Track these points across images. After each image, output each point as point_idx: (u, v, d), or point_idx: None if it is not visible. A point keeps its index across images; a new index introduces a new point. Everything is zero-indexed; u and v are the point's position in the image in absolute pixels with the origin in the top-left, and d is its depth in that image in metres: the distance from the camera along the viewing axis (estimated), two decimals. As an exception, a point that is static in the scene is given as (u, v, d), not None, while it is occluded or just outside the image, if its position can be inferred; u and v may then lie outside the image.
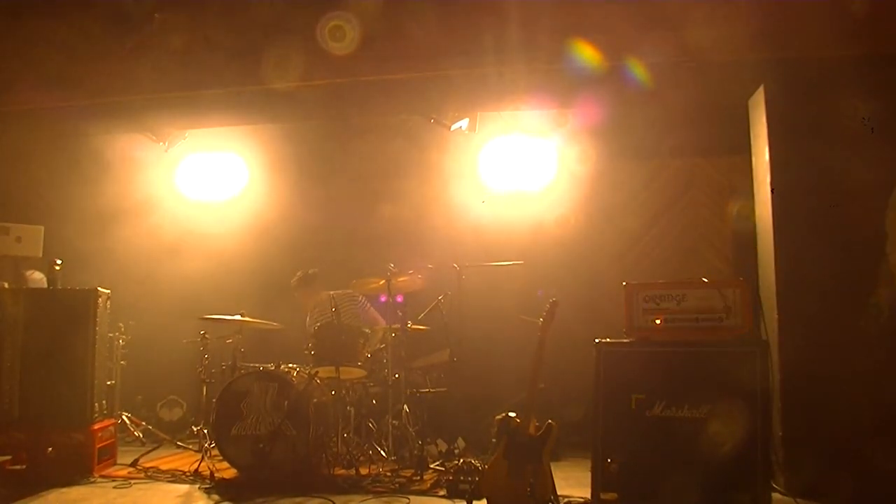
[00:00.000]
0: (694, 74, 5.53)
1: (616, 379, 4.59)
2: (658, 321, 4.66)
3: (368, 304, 6.80)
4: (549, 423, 4.47)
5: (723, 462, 4.27)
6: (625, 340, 4.71)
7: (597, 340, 4.72)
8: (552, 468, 4.47)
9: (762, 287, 5.43)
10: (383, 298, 6.20)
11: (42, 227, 7.43)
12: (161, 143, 7.67)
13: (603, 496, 4.47)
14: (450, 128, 6.86)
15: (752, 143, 5.79)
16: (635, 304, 4.74)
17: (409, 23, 5.52)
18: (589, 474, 4.57)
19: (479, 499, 4.53)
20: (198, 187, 8.23)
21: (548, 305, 4.72)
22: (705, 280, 4.69)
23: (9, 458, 5.79)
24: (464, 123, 6.84)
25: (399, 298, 6.12)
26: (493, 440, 4.64)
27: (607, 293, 5.96)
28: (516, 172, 7.46)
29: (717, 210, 7.06)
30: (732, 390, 4.35)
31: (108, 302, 6.10)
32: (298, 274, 6.92)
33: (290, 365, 5.88)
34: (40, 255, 7.30)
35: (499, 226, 7.29)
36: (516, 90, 6.04)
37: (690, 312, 4.59)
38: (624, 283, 4.81)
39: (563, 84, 5.86)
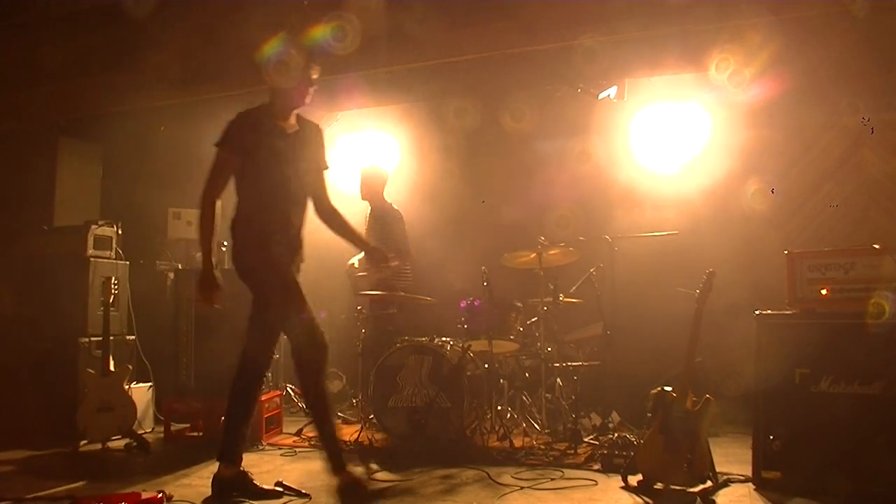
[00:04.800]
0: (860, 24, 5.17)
1: (778, 352, 4.36)
2: (824, 291, 4.38)
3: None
4: (707, 398, 4.34)
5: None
6: (787, 312, 4.46)
7: (757, 312, 4.51)
8: (710, 444, 4.35)
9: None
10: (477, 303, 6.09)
11: (208, 211, 7.86)
12: (315, 126, 7.93)
13: (765, 475, 4.29)
14: (597, 97, 6.72)
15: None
16: (799, 274, 4.47)
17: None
18: (749, 452, 4.40)
19: (634, 474, 4.45)
20: (351, 168, 8.45)
21: (704, 276, 4.57)
22: (876, 246, 4.37)
23: (188, 425, 6.23)
24: (612, 92, 6.67)
25: (476, 303, 6.06)
26: (649, 415, 4.57)
27: (768, 263, 5.67)
28: (668, 140, 7.21)
29: (890, 171, 6.56)
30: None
31: (271, 280, 6.40)
32: None
33: (444, 338, 5.98)
34: (209, 237, 7.74)
35: (652, 195, 7.09)
36: (665, 55, 5.84)
37: (860, 282, 4.26)
38: (786, 252, 4.56)
39: (710, 44, 5.63)
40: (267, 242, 4.33)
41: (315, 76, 4.37)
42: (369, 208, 6.85)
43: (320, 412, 4.35)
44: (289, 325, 4.33)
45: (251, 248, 4.35)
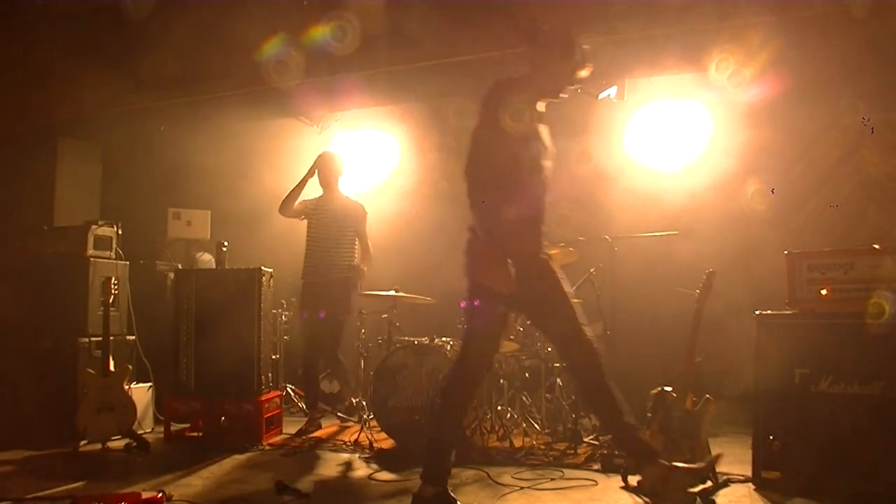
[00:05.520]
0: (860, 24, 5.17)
1: (778, 352, 4.36)
2: (824, 291, 4.38)
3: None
4: (707, 398, 4.35)
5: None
6: (787, 312, 4.47)
7: (757, 312, 4.51)
8: (710, 444, 4.35)
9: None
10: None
11: (209, 212, 7.89)
12: (314, 126, 7.94)
13: (765, 475, 4.29)
14: (597, 97, 6.70)
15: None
16: (799, 274, 4.47)
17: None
18: (749, 452, 4.41)
19: (634, 474, 4.45)
20: (351, 168, 8.43)
21: (704, 276, 4.57)
22: (876, 246, 4.37)
23: (187, 426, 6.22)
24: (612, 91, 6.64)
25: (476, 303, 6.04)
26: (649, 415, 4.56)
27: (768, 263, 5.67)
28: (668, 139, 7.22)
29: (890, 171, 6.55)
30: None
31: (271, 280, 6.41)
32: None
33: (444, 338, 5.98)
34: (208, 237, 7.77)
35: (652, 195, 7.08)
36: (665, 55, 5.84)
37: (860, 282, 4.27)
38: (786, 252, 4.56)
39: (710, 44, 5.64)
40: (525, 242, 3.90)
41: (583, 76, 4.01)
42: (320, 199, 6.64)
43: (606, 412, 3.90)
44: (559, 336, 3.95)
45: (505, 247, 3.79)
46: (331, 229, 6.51)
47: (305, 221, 6.61)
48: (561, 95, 4.03)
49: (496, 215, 3.75)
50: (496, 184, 3.76)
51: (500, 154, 3.76)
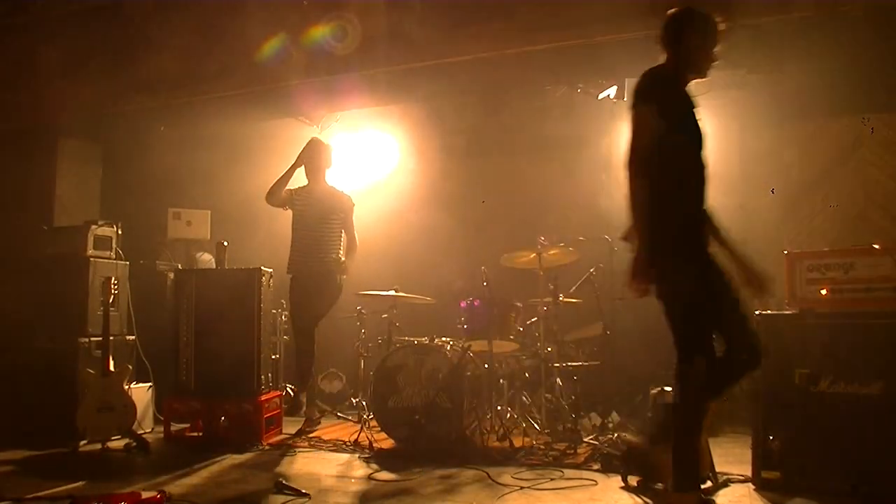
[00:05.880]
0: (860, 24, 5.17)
1: (778, 352, 4.34)
2: (824, 291, 4.39)
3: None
4: (707, 398, 4.34)
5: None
6: (787, 312, 4.47)
7: (757, 312, 4.50)
8: (710, 444, 4.34)
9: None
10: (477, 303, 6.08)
11: (209, 212, 7.88)
12: (314, 126, 7.95)
13: (765, 475, 4.29)
14: (597, 97, 6.72)
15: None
16: (798, 274, 4.48)
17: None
18: (749, 451, 4.40)
19: (633, 474, 4.46)
20: (351, 168, 8.45)
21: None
22: (876, 246, 4.37)
23: (187, 426, 6.22)
24: (611, 92, 6.67)
25: (476, 303, 6.06)
26: (649, 415, 4.56)
27: (767, 263, 5.68)
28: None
29: (888, 170, 6.56)
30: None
31: (271, 280, 6.40)
32: None
33: (444, 338, 5.98)
34: (208, 237, 7.76)
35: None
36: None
37: (860, 282, 4.28)
38: (785, 252, 4.56)
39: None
40: (693, 236, 3.83)
41: (718, 51, 3.92)
42: (305, 187, 6.48)
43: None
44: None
45: (674, 243, 3.77)
46: (314, 217, 6.34)
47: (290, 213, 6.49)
48: (706, 73, 3.98)
49: (672, 208, 3.72)
50: (669, 178, 3.70)
51: (666, 145, 3.70)
